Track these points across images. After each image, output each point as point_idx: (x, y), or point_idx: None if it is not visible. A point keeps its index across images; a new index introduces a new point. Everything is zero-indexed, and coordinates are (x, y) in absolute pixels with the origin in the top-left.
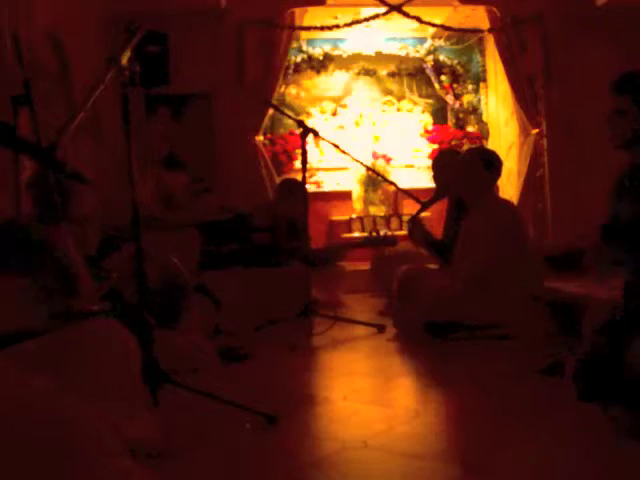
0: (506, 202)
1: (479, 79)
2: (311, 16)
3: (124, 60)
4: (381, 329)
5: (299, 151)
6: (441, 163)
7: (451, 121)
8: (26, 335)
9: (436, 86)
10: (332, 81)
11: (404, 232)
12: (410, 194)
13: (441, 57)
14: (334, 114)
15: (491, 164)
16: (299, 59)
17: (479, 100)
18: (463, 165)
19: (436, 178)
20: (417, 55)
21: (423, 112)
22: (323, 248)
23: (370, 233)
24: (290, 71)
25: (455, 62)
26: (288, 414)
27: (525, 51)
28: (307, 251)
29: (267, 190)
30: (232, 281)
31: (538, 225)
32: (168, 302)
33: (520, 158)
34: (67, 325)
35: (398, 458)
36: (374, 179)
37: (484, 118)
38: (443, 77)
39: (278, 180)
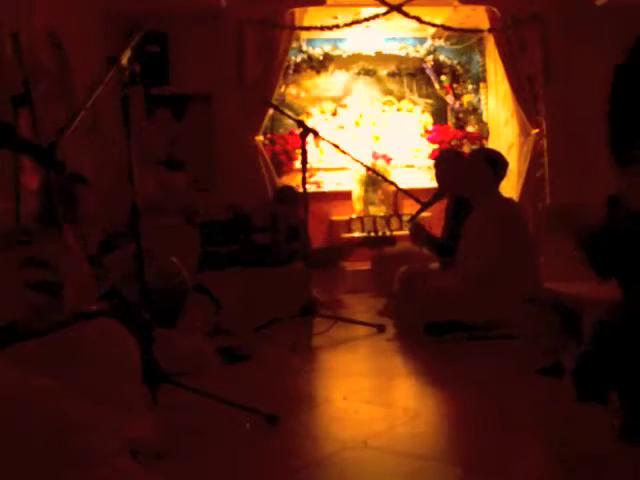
0: (509, 200)
1: (479, 79)
2: (311, 16)
3: (124, 60)
4: (381, 329)
5: (299, 151)
6: (443, 162)
7: (451, 121)
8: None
9: (436, 86)
10: (332, 81)
11: (404, 232)
12: (410, 194)
13: (441, 57)
14: (334, 114)
15: (495, 163)
16: (299, 59)
17: (479, 100)
18: (468, 164)
19: (438, 177)
20: (417, 55)
21: (423, 112)
22: (323, 249)
23: (369, 233)
24: (290, 71)
25: (455, 62)
26: (288, 414)
27: (525, 51)
28: (308, 254)
29: (267, 190)
30: (232, 281)
31: (538, 225)
32: (168, 302)
33: (520, 158)
34: (66, 325)
35: (398, 458)
36: (374, 179)
37: (484, 118)
38: (443, 77)
39: (276, 185)
